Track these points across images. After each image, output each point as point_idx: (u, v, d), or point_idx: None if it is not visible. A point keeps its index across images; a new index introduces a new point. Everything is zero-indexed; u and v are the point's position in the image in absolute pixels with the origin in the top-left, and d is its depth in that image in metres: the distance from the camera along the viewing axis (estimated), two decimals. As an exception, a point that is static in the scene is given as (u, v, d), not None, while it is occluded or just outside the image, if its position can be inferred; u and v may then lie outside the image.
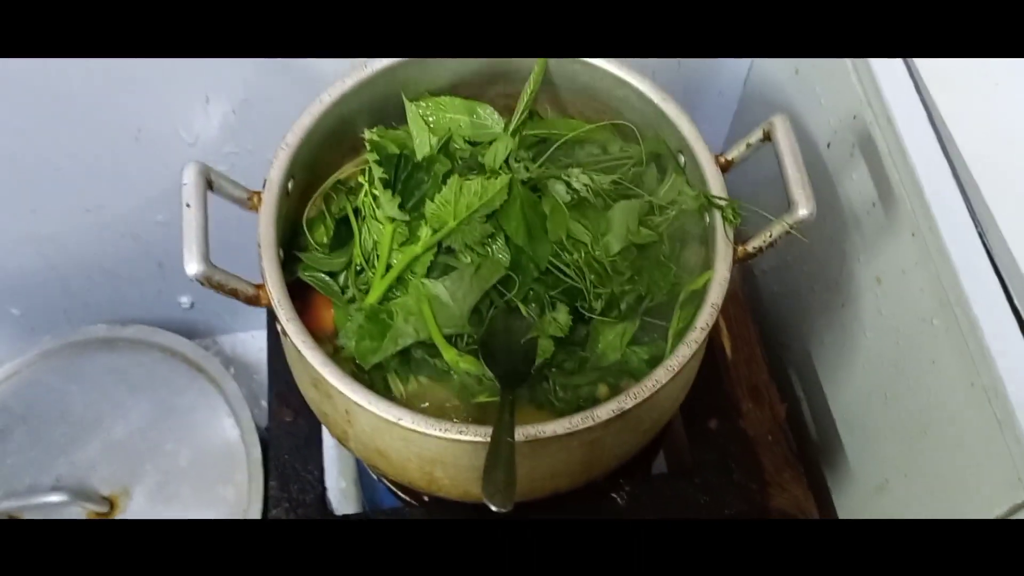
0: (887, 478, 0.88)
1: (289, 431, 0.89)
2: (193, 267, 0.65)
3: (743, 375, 1.02)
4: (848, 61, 0.85)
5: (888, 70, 0.81)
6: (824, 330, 0.98)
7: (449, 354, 0.72)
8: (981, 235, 0.74)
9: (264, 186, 0.73)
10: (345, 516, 0.92)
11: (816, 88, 0.91)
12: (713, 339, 1.03)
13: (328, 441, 0.92)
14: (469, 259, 0.73)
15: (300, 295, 0.76)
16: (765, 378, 1.02)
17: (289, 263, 0.77)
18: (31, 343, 1.13)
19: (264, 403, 0.93)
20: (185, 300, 1.26)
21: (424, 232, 0.73)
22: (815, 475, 1.02)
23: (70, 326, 1.15)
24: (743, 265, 0.82)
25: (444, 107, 0.81)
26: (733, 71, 1.07)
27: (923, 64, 0.81)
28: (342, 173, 0.83)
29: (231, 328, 1.34)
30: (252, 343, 1.34)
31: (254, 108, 0.98)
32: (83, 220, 1.08)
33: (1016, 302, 0.71)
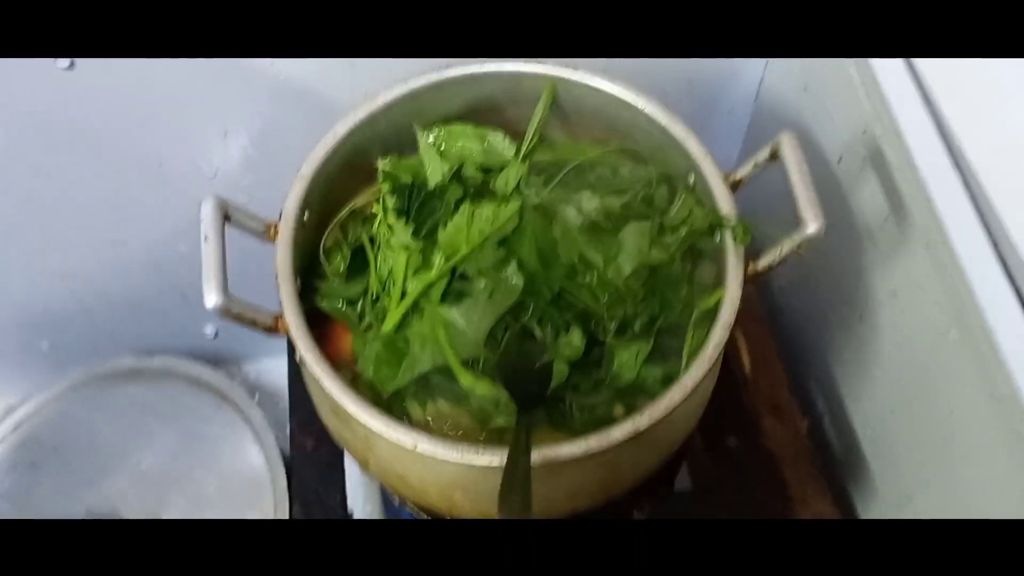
0: (911, 492, 0.87)
1: (311, 458, 0.90)
2: (212, 299, 0.67)
3: (763, 391, 1.02)
4: (856, 75, 0.85)
5: (895, 83, 0.81)
6: (843, 344, 0.98)
7: (466, 379, 0.72)
8: (994, 246, 0.74)
9: (280, 217, 0.74)
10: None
11: (826, 104, 0.92)
12: (732, 356, 1.03)
13: (350, 467, 0.93)
14: (483, 284, 0.74)
15: (319, 323, 0.78)
16: (786, 394, 1.02)
17: (307, 292, 0.78)
18: (60, 376, 1.15)
19: (288, 431, 0.95)
20: (209, 329, 1.28)
21: (438, 259, 0.74)
22: (839, 490, 1.02)
23: (98, 358, 1.17)
24: (761, 281, 0.83)
25: (456, 134, 0.83)
26: (743, 89, 1.08)
27: (931, 76, 0.82)
28: (358, 202, 0.84)
29: (256, 356, 1.36)
30: (277, 370, 1.35)
31: (271, 139, 1.00)
32: (108, 254, 1.10)
33: (1032, 313, 0.71)
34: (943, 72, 0.82)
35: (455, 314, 0.73)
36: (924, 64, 0.82)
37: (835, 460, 1.03)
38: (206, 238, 0.68)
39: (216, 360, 1.30)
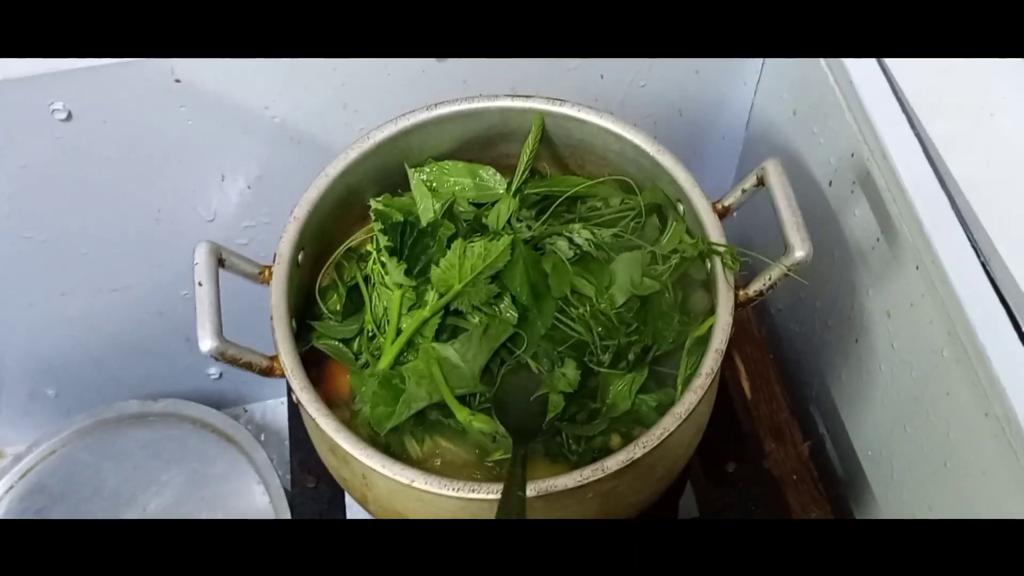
0: (915, 512, 0.87)
1: (312, 496, 0.91)
2: (207, 344, 0.67)
3: (764, 414, 1.02)
4: (842, 99, 0.86)
5: (881, 106, 0.82)
6: (841, 365, 0.98)
7: (462, 414, 0.73)
8: (984, 264, 0.74)
9: (275, 260, 0.75)
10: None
11: (814, 128, 0.93)
12: (731, 379, 1.04)
13: (351, 505, 0.93)
14: (477, 320, 0.75)
15: (316, 362, 0.78)
16: (786, 416, 1.02)
17: (304, 331, 0.79)
18: (67, 422, 1.16)
19: (290, 470, 0.95)
20: (214, 371, 1.29)
21: (431, 296, 0.75)
22: (843, 512, 1.01)
23: (104, 403, 1.17)
24: (758, 304, 0.83)
25: (447, 171, 0.84)
26: (734, 115, 1.09)
27: (915, 98, 0.83)
28: (353, 240, 0.85)
29: (260, 396, 1.37)
30: (281, 409, 1.36)
31: (268, 182, 1.01)
32: (111, 300, 1.11)
33: (1023, 329, 0.71)
34: (928, 93, 0.83)
35: (450, 351, 0.73)
36: (909, 86, 0.83)
37: (838, 482, 1.03)
38: (200, 283, 0.69)
39: (221, 401, 1.31)
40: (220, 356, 0.68)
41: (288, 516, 1.05)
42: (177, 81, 0.88)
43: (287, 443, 1.31)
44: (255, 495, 1.07)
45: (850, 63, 0.84)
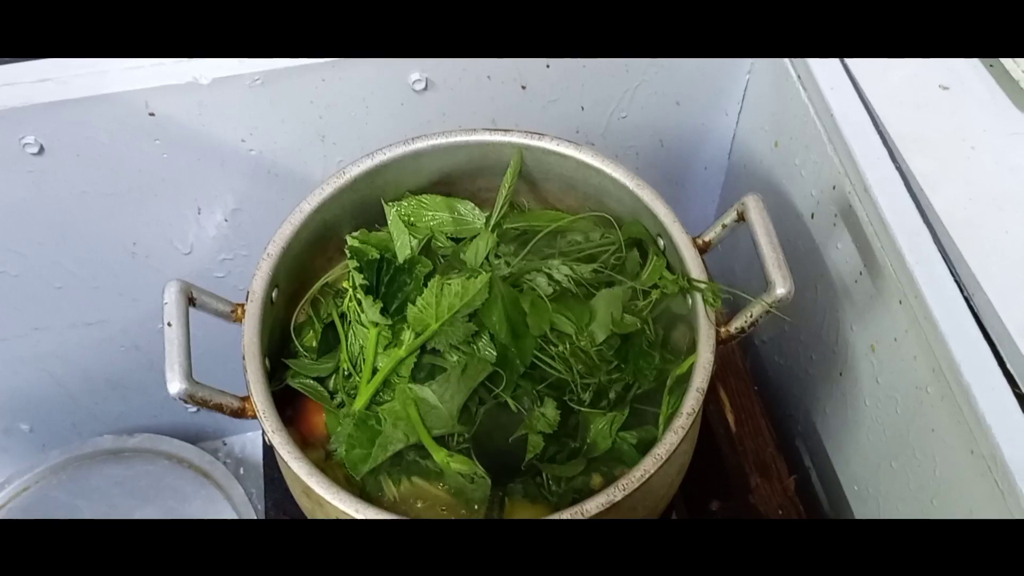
0: (902, 549, 0.86)
1: (288, 538, 0.89)
2: (175, 386, 0.66)
3: (750, 449, 1.01)
4: (823, 131, 0.86)
5: (861, 138, 0.81)
6: (826, 399, 0.97)
7: (439, 455, 0.71)
8: (967, 299, 0.73)
9: (247, 298, 0.74)
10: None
11: (795, 160, 0.92)
12: (716, 413, 1.02)
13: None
14: (455, 359, 0.73)
15: (292, 401, 0.77)
16: (772, 451, 1.00)
17: (279, 369, 0.77)
18: (42, 458, 1.13)
19: (263, 511, 0.93)
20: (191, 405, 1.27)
21: (407, 335, 0.73)
22: (831, 548, 1.00)
23: (79, 437, 1.15)
24: (743, 338, 0.82)
25: (426, 205, 0.83)
26: (715, 146, 1.08)
27: (896, 130, 0.82)
28: (329, 276, 0.84)
29: (239, 429, 1.34)
30: (260, 442, 1.33)
31: (246, 215, 1.00)
32: (86, 334, 1.09)
33: (1009, 367, 0.70)
34: (909, 127, 0.83)
35: (428, 391, 0.72)
36: (889, 119, 0.83)
37: (824, 517, 1.02)
38: (169, 324, 0.68)
39: (200, 434, 1.29)
40: (189, 399, 0.66)
41: (265, 555, 1.03)
42: (151, 114, 0.87)
43: (266, 477, 1.30)
44: (232, 533, 1.05)
45: (830, 95, 0.84)
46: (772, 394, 1.09)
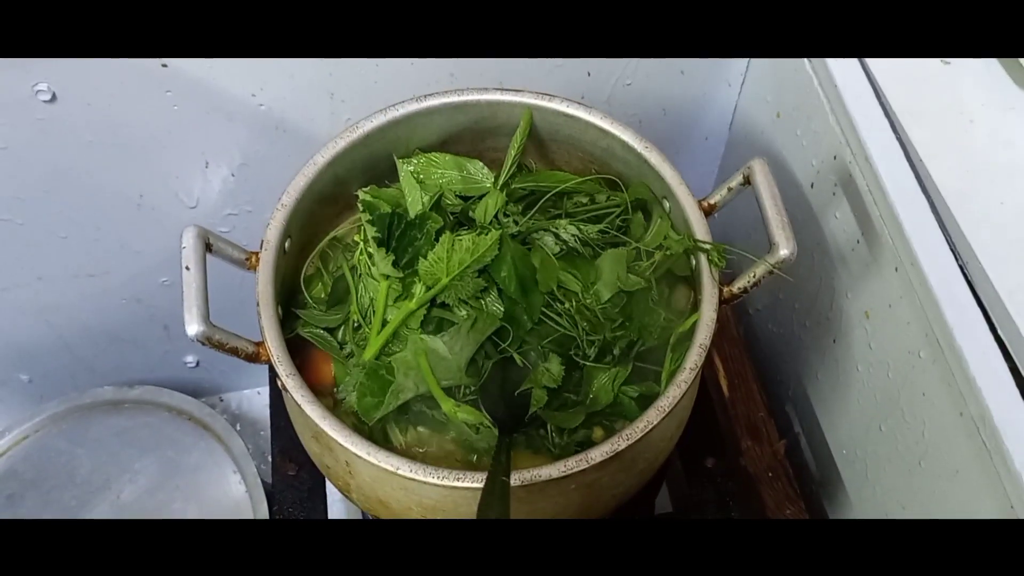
0: (888, 511, 0.89)
1: (293, 484, 0.91)
2: (193, 328, 0.67)
3: (741, 413, 1.03)
4: (825, 102, 0.87)
5: (864, 109, 0.83)
6: (818, 365, 0.99)
7: (447, 405, 0.73)
8: (962, 268, 0.75)
9: (262, 246, 0.75)
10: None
11: (797, 130, 0.94)
12: (709, 377, 1.05)
13: (332, 493, 0.93)
14: (464, 313, 0.75)
15: (300, 350, 0.78)
16: (763, 415, 1.03)
17: (288, 319, 0.79)
18: (40, 408, 1.14)
19: (270, 458, 0.95)
20: (191, 360, 1.28)
21: (418, 289, 0.75)
22: (816, 510, 1.03)
23: (77, 390, 1.16)
24: (737, 303, 0.84)
25: (435, 163, 0.84)
26: (717, 116, 1.10)
27: (898, 102, 0.84)
28: (339, 230, 0.85)
29: (237, 385, 1.36)
30: (258, 399, 1.35)
31: (252, 170, 1.01)
32: (88, 286, 1.10)
33: (999, 332, 0.73)
34: (910, 99, 0.84)
35: (439, 343, 0.73)
36: (892, 91, 0.85)
37: (812, 480, 1.04)
38: (187, 268, 0.69)
39: (197, 390, 1.30)
40: (207, 341, 0.68)
41: (264, 506, 1.04)
42: (164, 66, 0.87)
43: (263, 433, 1.31)
44: (231, 484, 1.07)
45: (834, 67, 0.85)
46: (764, 360, 1.11)
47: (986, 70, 0.87)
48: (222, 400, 1.35)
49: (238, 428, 1.23)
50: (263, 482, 1.07)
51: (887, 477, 0.87)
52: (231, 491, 1.07)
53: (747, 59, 1.02)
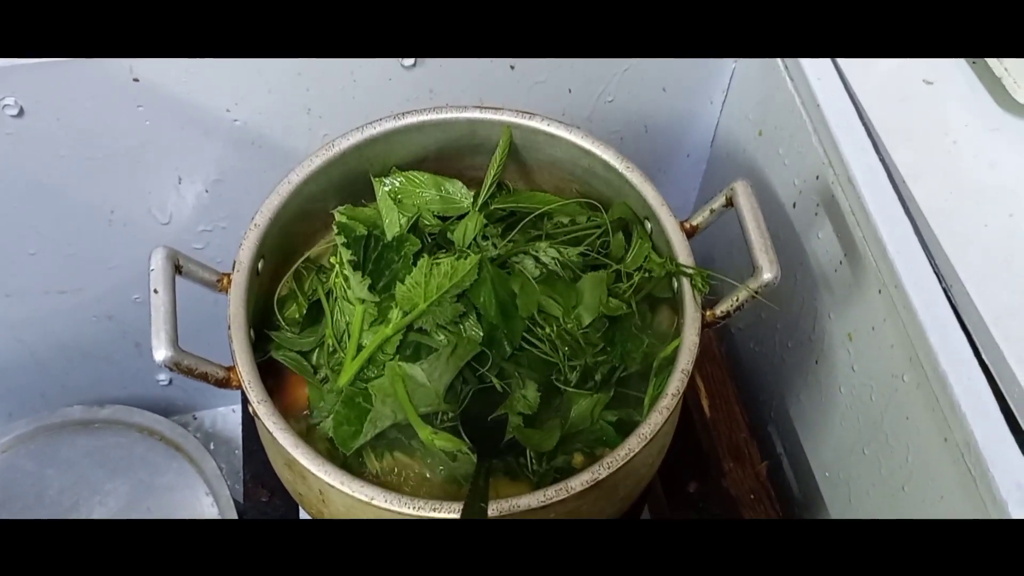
0: (870, 534, 0.88)
1: (265, 511, 0.89)
2: (161, 353, 0.65)
3: (723, 434, 1.02)
4: (808, 121, 0.87)
5: (846, 129, 0.82)
6: (800, 387, 0.98)
7: (424, 433, 0.71)
8: (946, 291, 0.75)
9: (234, 268, 0.73)
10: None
11: (779, 149, 0.93)
12: (691, 398, 1.04)
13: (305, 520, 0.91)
14: (443, 338, 0.73)
15: (273, 372, 0.76)
16: (745, 436, 1.02)
17: (262, 341, 0.77)
18: (8, 427, 1.12)
19: (243, 483, 0.93)
20: (163, 377, 1.26)
21: (395, 314, 0.73)
22: (800, 533, 1.02)
23: (48, 408, 1.14)
24: (724, 323, 0.83)
25: (414, 182, 0.82)
26: (699, 133, 1.09)
27: (880, 122, 0.83)
28: (313, 251, 0.83)
29: (211, 403, 1.34)
30: (232, 417, 1.33)
31: (227, 186, 0.99)
32: (59, 302, 1.08)
33: (984, 357, 0.72)
34: (893, 120, 0.84)
35: (417, 370, 0.72)
36: (874, 111, 0.84)
37: (795, 502, 1.03)
38: (155, 291, 0.67)
39: (170, 408, 1.28)
40: (175, 366, 0.66)
41: (238, 529, 1.02)
42: (135, 80, 0.86)
43: (237, 452, 1.29)
44: (203, 506, 1.04)
45: (816, 85, 0.85)
46: (747, 381, 1.10)
47: (970, 91, 0.86)
48: (195, 418, 1.33)
49: (211, 447, 1.21)
50: (236, 503, 1.05)
51: (870, 501, 0.86)
52: (203, 513, 1.04)
53: (730, 76, 1.02)
